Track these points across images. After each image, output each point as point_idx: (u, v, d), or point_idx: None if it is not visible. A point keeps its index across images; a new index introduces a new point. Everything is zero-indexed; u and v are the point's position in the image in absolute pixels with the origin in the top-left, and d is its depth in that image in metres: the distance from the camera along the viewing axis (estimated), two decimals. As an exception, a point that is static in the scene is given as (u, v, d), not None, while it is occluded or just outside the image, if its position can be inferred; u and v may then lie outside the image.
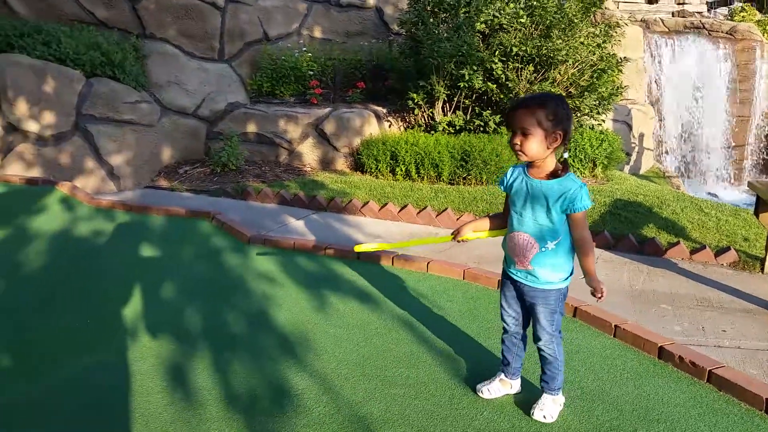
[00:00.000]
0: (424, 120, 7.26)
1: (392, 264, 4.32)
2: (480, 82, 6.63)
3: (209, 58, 7.63)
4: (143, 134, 6.70)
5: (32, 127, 6.09)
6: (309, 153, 7.25)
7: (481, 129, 6.89)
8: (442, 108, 7.09)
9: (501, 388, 2.64)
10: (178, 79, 7.28)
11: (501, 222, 2.51)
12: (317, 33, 8.52)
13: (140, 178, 6.62)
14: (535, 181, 2.29)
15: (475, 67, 6.59)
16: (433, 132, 6.97)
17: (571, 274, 2.38)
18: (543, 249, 2.29)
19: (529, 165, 2.33)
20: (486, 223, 2.55)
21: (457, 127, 6.93)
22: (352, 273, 4.18)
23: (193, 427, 2.41)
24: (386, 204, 5.59)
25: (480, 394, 2.64)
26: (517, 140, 2.19)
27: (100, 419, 2.49)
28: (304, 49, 7.95)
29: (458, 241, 2.55)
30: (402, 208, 5.52)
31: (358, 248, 2.77)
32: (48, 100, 6.11)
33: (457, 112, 7.01)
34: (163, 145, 6.98)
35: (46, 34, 6.45)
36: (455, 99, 6.94)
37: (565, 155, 2.27)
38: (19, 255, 4.28)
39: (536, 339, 2.47)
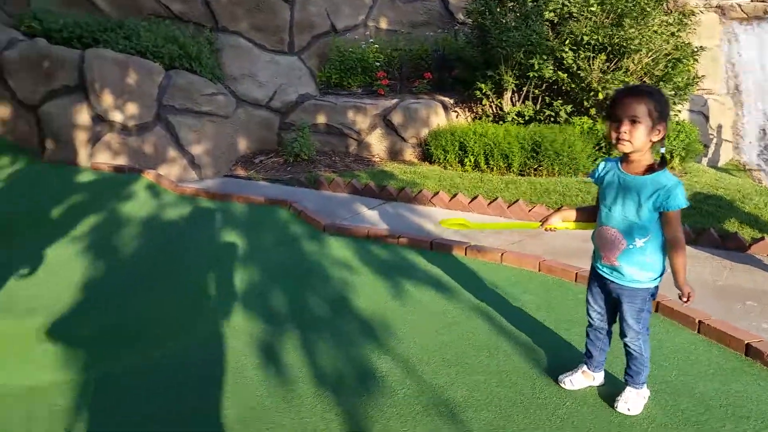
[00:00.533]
0: (492, 110, 7.23)
1: (465, 254, 4.37)
2: (550, 71, 6.56)
3: (279, 50, 7.82)
4: (220, 125, 6.96)
5: (117, 117, 6.42)
6: (377, 143, 7.35)
7: (552, 119, 6.81)
8: (511, 98, 7.04)
9: (583, 379, 2.66)
10: (251, 71, 7.51)
11: (589, 215, 2.50)
12: (383, 24, 8.59)
13: (219, 168, 6.89)
14: (628, 176, 2.26)
15: (545, 57, 6.52)
16: (501, 122, 6.94)
17: (661, 274, 2.34)
18: (631, 246, 2.26)
19: (624, 159, 2.31)
20: (573, 214, 2.52)
21: (527, 118, 6.88)
22: (426, 262, 4.26)
23: (288, 402, 2.55)
24: (456, 194, 5.63)
25: (562, 385, 2.67)
26: (625, 128, 2.13)
27: (200, 392, 2.67)
28: (371, 40, 8.03)
29: (546, 230, 2.52)
30: (473, 199, 5.55)
31: (443, 223, 2.78)
32: (131, 91, 6.43)
33: (527, 102, 6.95)
34: (239, 135, 7.23)
35: (127, 28, 6.77)
36: (524, 89, 6.89)
37: (662, 151, 2.24)
38: (113, 239, 4.57)
39: (622, 335, 2.47)
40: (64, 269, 3.93)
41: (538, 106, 6.91)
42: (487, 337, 3.14)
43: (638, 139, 2.14)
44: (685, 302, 2.28)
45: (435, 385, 2.69)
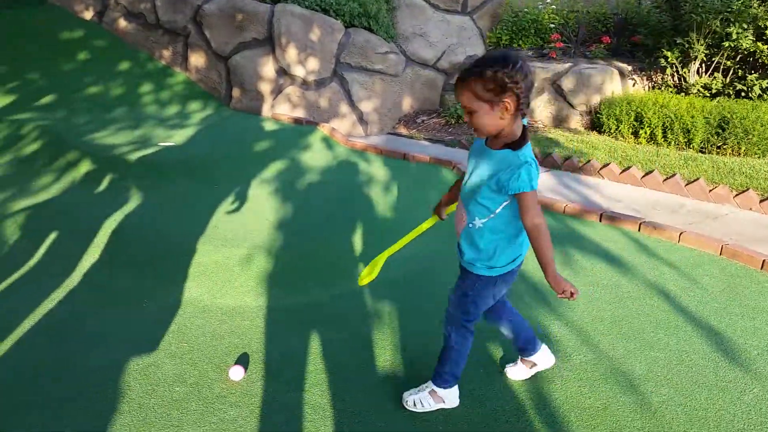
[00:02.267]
0: (674, 81, 6.75)
1: (639, 230, 4.22)
2: (749, 42, 5.97)
3: (452, 10, 7.83)
4: (389, 83, 7.18)
5: (299, 72, 6.85)
6: (542, 109, 7.19)
7: (743, 94, 6.23)
8: (697, 69, 6.52)
9: (525, 369, 2.50)
10: (423, 30, 7.61)
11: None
12: (561, -16, 8.26)
13: (383, 125, 7.15)
14: (486, 148, 2.00)
15: (745, 26, 5.94)
16: (683, 94, 6.47)
17: (502, 266, 2.08)
18: (470, 225, 2.05)
19: None
20: (448, 196, 2.36)
21: (714, 91, 6.35)
22: (595, 233, 4.18)
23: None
24: (629, 168, 5.39)
25: (509, 375, 2.53)
26: (467, 118, 1.92)
27: (379, 325, 2.89)
28: (548, 1, 7.77)
29: (442, 219, 2.40)
30: (646, 174, 5.29)
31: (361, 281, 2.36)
32: (312, 47, 6.81)
33: (716, 74, 6.40)
34: (405, 94, 7.42)
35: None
36: (714, 59, 6.34)
37: (523, 122, 1.94)
38: (296, 184, 4.97)
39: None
40: (259, 207, 4.36)
41: (727, 80, 6.35)
42: (665, 316, 3.06)
43: (483, 126, 1.89)
44: (568, 298, 1.92)
45: (611, 356, 2.69)
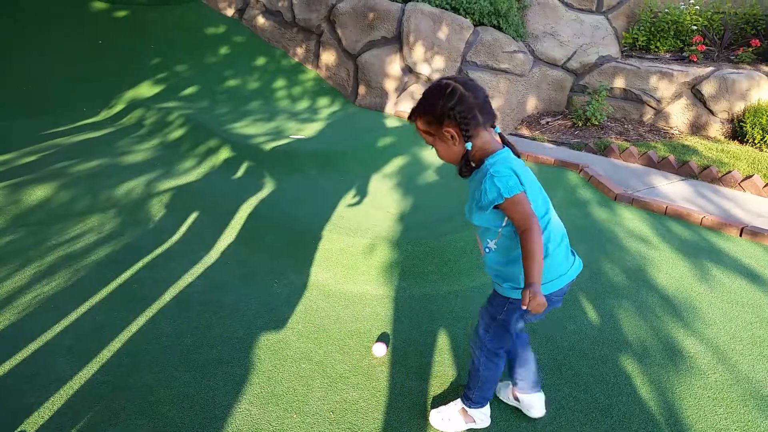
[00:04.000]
0: (835, 88, 6.12)
1: (786, 248, 3.89)
2: None
3: (587, 9, 7.57)
4: (514, 83, 7.07)
5: (424, 69, 6.92)
6: (678, 114, 6.77)
7: None
8: None
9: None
10: (554, 30, 7.42)
11: None
12: (707, -17, 7.72)
13: (505, 125, 7.06)
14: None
15: None
16: None
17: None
18: (486, 249, 1.97)
19: None
20: None
21: None
22: (735, 248, 3.90)
23: (585, 357, 2.63)
24: (776, 181, 4.97)
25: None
26: (433, 152, 1.95)
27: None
28: (691, 1, 7.30)
29: None
30: (796, 188, 4.85)
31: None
32: (440, 45, 6.85)
33: None
34: (530, 94, 7.27)
35: (444, -15, 7.16)
36: None
37: (467, 147, 1.82)
38: (417, 180, 5.05)
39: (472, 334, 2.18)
40: (381, 200, 4.47)
41: None
42: (816, 343, 2.81)
43: (444, 157, 1.90)
44: (527, 307, 1.69)
45: (751, 378, 2.51)
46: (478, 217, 1.87)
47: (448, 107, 1.78)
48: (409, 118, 1.91)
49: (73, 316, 2.91)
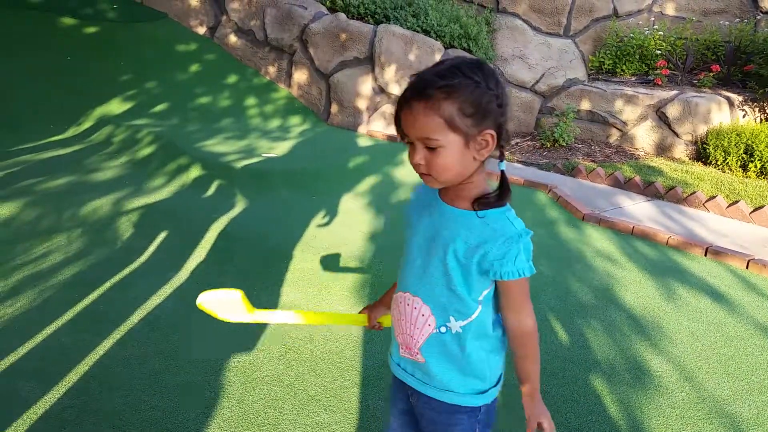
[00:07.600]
0: (791, 113, 6.37)
1: (747, 267, 4.00)
2: None
3: (554, 33, 7.76)
4: (485, 104, 7.18)
5: (394, 90, 6.99)
6: (644, 137, 6.96)
7: None
8: (819, 101, 6.12)
9: None
10: (522, 53, 7.58)
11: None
12: (670, 10, 7.99)
13: (477, 144, 7.15)
14: (447, 208, 1.30)
15: None
16: (801, 127, 6.08)
17: (498, 382, 1.39)
18: (442, 329, 1.31)
19: None
20: (384, 300, 1.66)
21: (837, 125, 5.93)
22: (700, 268, 4.00)
23: (557, 378, 2.65)
24: (737, 202, 5.12)
25: None
26: (419, 156, 1.20)
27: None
28: (655, 27, 7.54)
29: (373, 327, 1.69)
30: (756, 209, 5.00)
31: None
32: (411, 66, 6.94)
33: (840, 106, 5.98)
34: (500, 115, 7.39)
35: (416, 6, 7.28)
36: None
37: (501, 168, 1.28)
38: (389, 198, 5.07)
39: None
40: (353, 219, 4.48)
41: None
42: (778, 360, 2.88)
43: (446, 170, 1.19)
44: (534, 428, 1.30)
45: (717, 396, 2.56)
46: (463, 280, 1.25)
47: (496, 101, 1.17)
48: (421, 93, 1.14)
49: (39, 338, 2.82)
